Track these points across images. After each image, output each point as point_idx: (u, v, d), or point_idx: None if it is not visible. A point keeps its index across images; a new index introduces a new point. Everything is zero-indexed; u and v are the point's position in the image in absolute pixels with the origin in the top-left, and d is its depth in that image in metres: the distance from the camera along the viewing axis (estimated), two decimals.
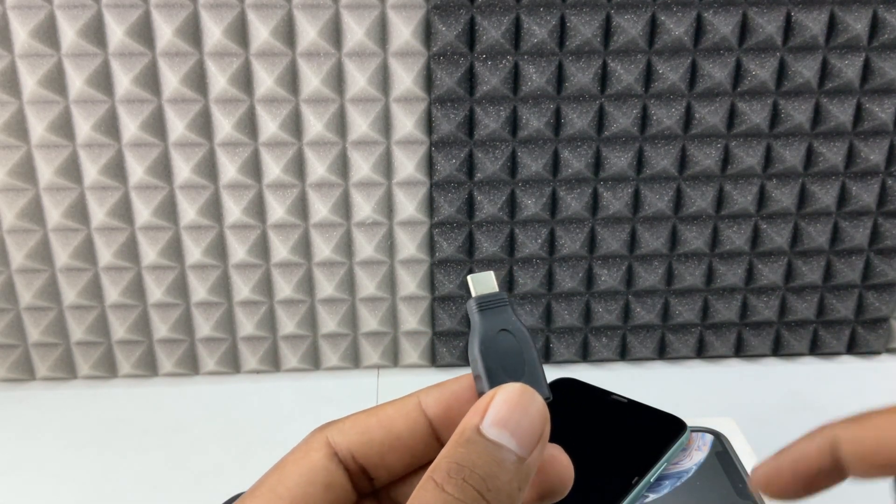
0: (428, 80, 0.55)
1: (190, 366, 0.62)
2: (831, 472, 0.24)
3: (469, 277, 0.23)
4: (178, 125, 0.55)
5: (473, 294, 0.23)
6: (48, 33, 0.52)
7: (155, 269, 0.59)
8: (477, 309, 0.23)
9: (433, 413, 0.22)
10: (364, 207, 0.58)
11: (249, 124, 0.56)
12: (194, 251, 0.59)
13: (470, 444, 0.19)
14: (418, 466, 0.22)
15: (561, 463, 0.22)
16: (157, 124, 0.55)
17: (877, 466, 0.23)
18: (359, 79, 0.55)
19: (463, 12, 0.54)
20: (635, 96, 0.56)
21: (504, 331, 0.22)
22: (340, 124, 0.56)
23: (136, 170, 0.56)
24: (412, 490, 0.19)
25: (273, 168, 0.57)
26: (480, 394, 0.22)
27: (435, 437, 0.22)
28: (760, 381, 0.62)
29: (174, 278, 0.59)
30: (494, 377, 0.22)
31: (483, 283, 0.23)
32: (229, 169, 0.57)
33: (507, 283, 0.61)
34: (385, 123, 0.57)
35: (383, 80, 0.55)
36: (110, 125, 0.55)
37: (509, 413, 0.20)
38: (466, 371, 0.69)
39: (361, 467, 0.22)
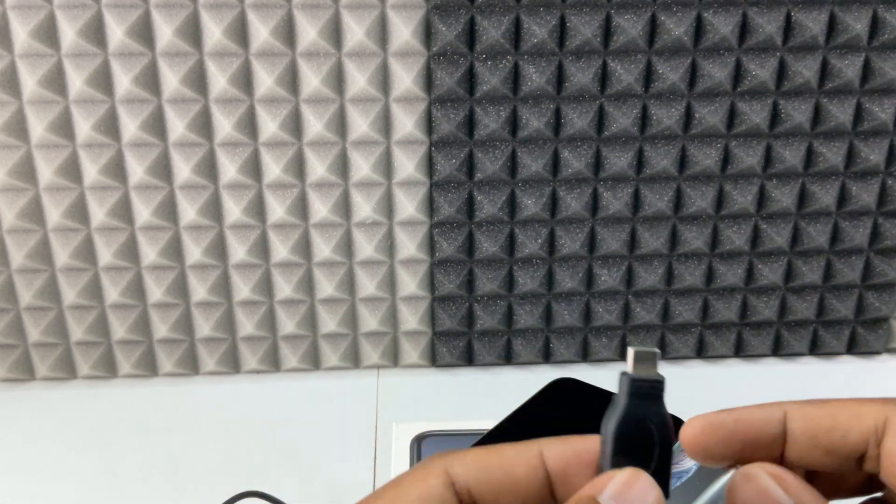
0: (428, 80, 0.55)
1: (190, 366, 0.62)
2: (770, 444, 0.24)
3: (631, 350, 0.22)
4: (178, 125, 0.55)
5: (631, 371, 0.22)
6: (48, 33, 0.52)
7: (155, 269, 0.59)
8: (629, 389, 0.22)
9: (553, 466, 0.22)
10: (364, 207, 0.58)
11: (249, 124, 0.56)
12: (194, 251, 0.59)
13: None
14: None
15: None
16: (157, 124, 0.55)
17: (821, 448, 0.23)
18: (359, 79, 0.55)
19: (463, 12, 0.54)
20: (635, 96, 0.56)
21: (648, 420, 0.22)
22: (340, 124, 0.56)
23: (136, 170, 0.56)
24: None
25: (273, 168, 0.57)
26: (602, 467, 0.22)
27: (549, 488, 0.22)
28: (760, 381, 0.62)
29: (174, 278, 0.59)
30: (621, 461, 0.22)
31: (645, 362, 0.22)
32: (229, 169, 0.57)
33: (507, 283, 0.61)
34: (385, 123, 0.57)
35: (383, 80, 0.55)
36: (110, 125, 0.55)
37: (627, 493, 0.20)
38: (470, 373, 0.69)
39: (474, 502, 0.22)
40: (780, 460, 0.24)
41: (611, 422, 0.22)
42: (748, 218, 0.60)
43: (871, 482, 0.25)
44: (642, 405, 0.22)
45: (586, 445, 0.22)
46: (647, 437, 0.22)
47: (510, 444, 0.23)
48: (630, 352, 0.22)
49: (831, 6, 0.55)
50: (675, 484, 0.45)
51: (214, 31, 0.53)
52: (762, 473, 0.22)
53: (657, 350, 0.23)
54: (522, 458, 0.22)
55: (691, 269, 0.62)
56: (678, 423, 0.49)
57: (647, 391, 0.22)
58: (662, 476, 0.21)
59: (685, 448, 0.24)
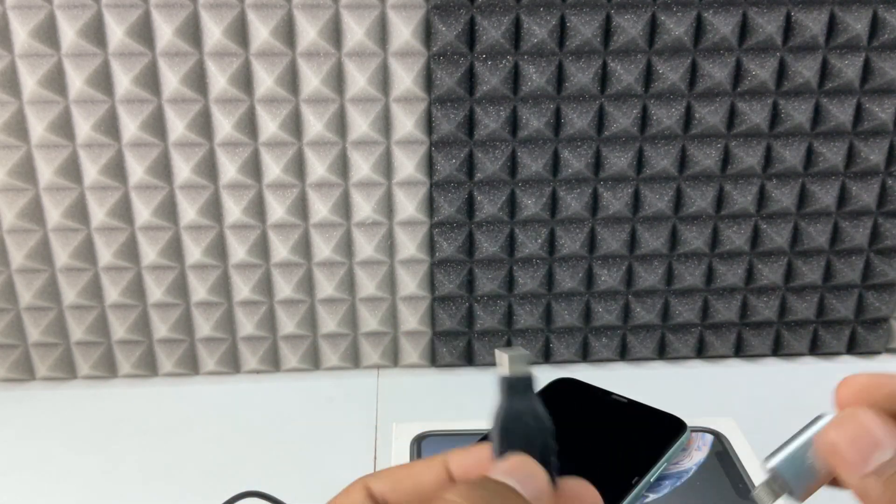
0: (428, 80, 0.55)
1: (190, 366, 0.62)
2: None
3: (500, 353, 0.24)
4: (178, 125, 0.55)
5: (505, 372, 0.24)
6: (48, 33, 0.52)
7: (155, 269, 0.59)
8: (503, 388, 0.24)
9: (456, 472, 0.25)
10: (364, 207, 0.58)
11: (249, 124, 0.56)
12: (194, 251, 0.59)
13: (477, 482, 0.23)
14: None
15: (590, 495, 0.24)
16: (157, 124, 0.55)
17: None
18: (359, 79, 0.55)
19: (463, 12, 0.54)
20: (635, 96, 0.56)
21: (526, 414, 0.24)
22: (340, 124, 0.56)
23: (136, 170, 0.56)
24: None
25: (273, 168, 0.57)
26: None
27: None
28: (760, 381, 0.62)
29: (174, 278, 0.59)
30: (507, 453, 0.24)
31: (517, 362, 0.24)
32: (229, 169, 0.57)
33: (507, 282, 0.61)
34: (385, 123, 0.57)
35: (383, 80, 0.55)
36: (110, 125, 0.55)
37: (515, 471, 0.23)
38: (470, 373, 0.69)
39: None
40: None
41: (494, 421, 0.24)
42: (748, 218, 0.60)
43: None
44: (518, 401, 0.24)
45: (484, 450, 0.25)
46: (525, 429, 0.24)
47: (422, 459, 0.26)
48: (500, 355, 0.24)
49: (831, 6, 0.55)
50: (675, 484, 0.45)
51: (214, 31, 0.53)
52: (866, 411, 0.24)
53: (525, 351, 0.25)
54: (429, 467, 0.25)
55: (691, 269, 0.62)
56: (677, 422, 0.48)
57: (519, 388, 0.24)
58: (545, 462, 0.23)
59: (839, 403, 0.26)
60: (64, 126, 0.55)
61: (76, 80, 0.53)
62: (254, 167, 0.57)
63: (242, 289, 0.60)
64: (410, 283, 0.61)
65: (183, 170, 0.56)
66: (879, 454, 0.23)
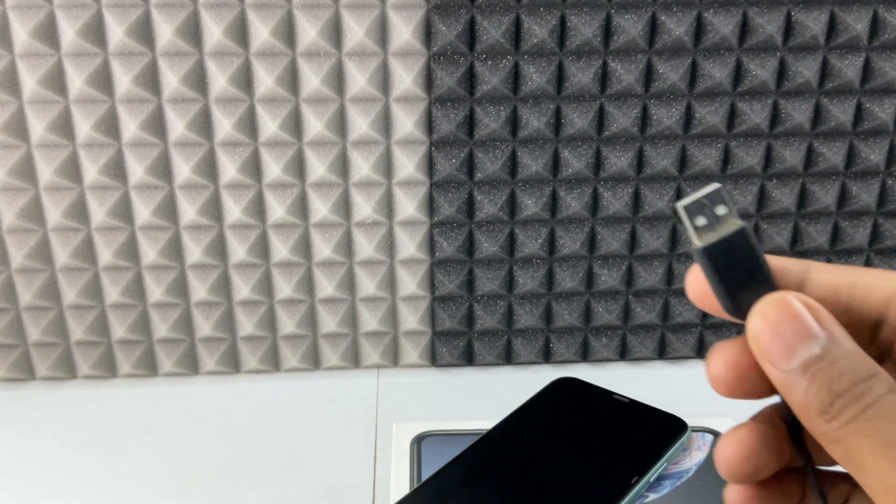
0: (428, 80, 0.55)
1: (190, 366, 0.62)
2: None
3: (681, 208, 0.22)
4: (178, 125, 0.55)
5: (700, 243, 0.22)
6: (48, 33, 0.52)
7: (155, 269, 0.59)
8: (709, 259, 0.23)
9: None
10: (364, 207, 0.58)
11: (249, 124, 0.56)
12: (194, 251, 0.59)
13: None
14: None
15: None
16: (157, 124, 0.55)
17: (841, 304, 0.22)
18: (359, 79, 0.55)
19: (463, 12, 0.54)
20: (635, 96, 0.56)
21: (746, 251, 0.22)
22: (340, 124, 0.56)
23: (136, 170, 0.56)
24: None
25: (273, 168, 0.57)
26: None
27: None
28: None
29: (174, 278, 0.59)
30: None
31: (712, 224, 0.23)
32: (229, 169, 0.57)
33: (507, 283, 0.61)
34: (385, 123, 0.57)
35: (383, 79, 0.55)
36: (110, 125, 0.55)
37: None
38: (470, 373, 0.69)
39: None
40: None
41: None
42: (748, 218, 0.60)
43: None
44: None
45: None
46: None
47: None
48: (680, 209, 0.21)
49: (831, 6, 0.55)
50: (675, 484, 0.45)
51: (214, 31, 0.53)
52: (797, 296, 0.21)
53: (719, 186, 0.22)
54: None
55: None
56: (678, 422, 0.48)
57: (734, 249, 0.21)
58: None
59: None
60: (64, 126, 0.55)
61: (76, 80, 0.53)
62: (254, 167, 0.57)
63: (242, 289, 0.60)
64: (410, 283, 0.61)
65: (183, 170, 0.56)
66: (806, 348, 0.20)
